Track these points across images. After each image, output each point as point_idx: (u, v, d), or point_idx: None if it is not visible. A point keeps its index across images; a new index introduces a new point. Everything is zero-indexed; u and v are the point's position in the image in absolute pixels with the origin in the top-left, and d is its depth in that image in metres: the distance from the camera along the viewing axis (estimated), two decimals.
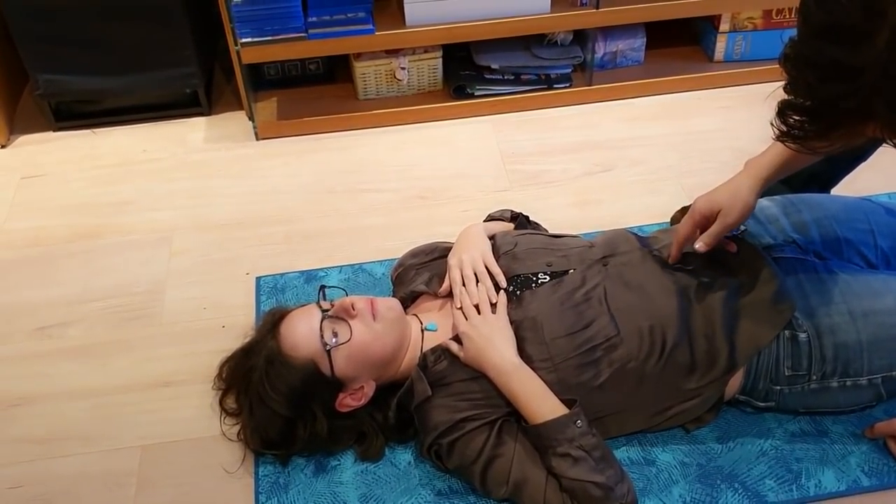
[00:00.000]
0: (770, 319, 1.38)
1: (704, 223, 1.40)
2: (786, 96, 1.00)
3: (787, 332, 1.38)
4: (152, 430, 1.54)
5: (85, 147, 2.23)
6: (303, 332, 1.37)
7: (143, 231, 1.97)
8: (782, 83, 1.00)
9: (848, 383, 1.39)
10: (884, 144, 1.03)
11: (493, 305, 1.41)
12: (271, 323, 1.43)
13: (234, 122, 2.29)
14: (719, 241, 1.40)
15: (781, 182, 1.48)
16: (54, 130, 2.28)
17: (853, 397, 1.41)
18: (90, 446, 1.52)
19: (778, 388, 1.40)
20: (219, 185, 2.09)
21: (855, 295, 1.40)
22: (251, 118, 2.24)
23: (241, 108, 2.30)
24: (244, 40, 2.06)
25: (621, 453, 1.43)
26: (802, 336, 1.37)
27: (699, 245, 1.39)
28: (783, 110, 1.01)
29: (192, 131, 2.27)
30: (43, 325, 1.75)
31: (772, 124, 1.03)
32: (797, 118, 1.00)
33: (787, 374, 1.39)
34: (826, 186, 1.74)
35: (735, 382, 1.41)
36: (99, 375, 1.64)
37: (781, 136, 1.03)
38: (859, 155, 1.66)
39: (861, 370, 1.38)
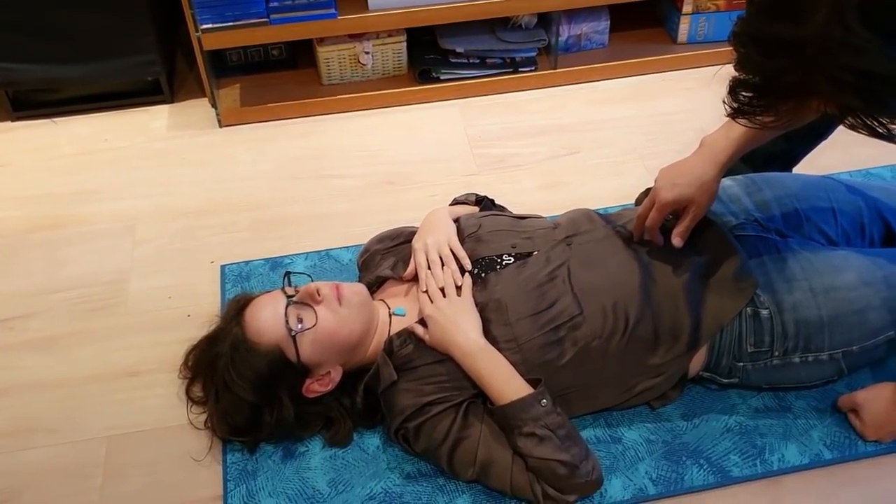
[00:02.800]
0: (732, 296, 1.40)
1: (669, 213, 1.42)
2: (736, 74, 1.03)
3: (749, 309, 1.39)
4: (119, 420, 1.53)
5: (45, 137, 2.20)
6: (267, 317, 1.36)
7: (105, 220, 1.95)
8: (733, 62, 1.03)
9: (810, 359, 1.41)
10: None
11: (459, 288, 1.41)
12: (236, 310, 1.42)
13: (196, 110, 2.26)
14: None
15: (743, 161, 1.49)
16: (12, 120, 2.24)
17: (815, 372, 1.43)
18: (56, 438, 1.51)
19: (741, 364, 1.42)
20: (182, 173, 2.07)
21: (816, 272, 1.41)
22: (214, 105, 2.21)
23: (203, 95, 2.27)
24: (205, 26, 2.04)
25: (587, 432, 1.44)
26: (764, 313, 1.39)
27: (677, 241, 1.40)
28: (734, 88, 1.04)
29: (154, 119, 2.24)
30: (5, 318, 1.72)
31: (724, 102, 1.06)
32: (746, 94, 1.03)
33: (749, 350, 1.40)
34: (788, 166, 1.76)
35: (699, 359, 1.42)
36: (64, 367, 1.63)
37: (733, 113, 1.06)
38: (820, 133, 1.68)
39: (822, 345, 1.39)
